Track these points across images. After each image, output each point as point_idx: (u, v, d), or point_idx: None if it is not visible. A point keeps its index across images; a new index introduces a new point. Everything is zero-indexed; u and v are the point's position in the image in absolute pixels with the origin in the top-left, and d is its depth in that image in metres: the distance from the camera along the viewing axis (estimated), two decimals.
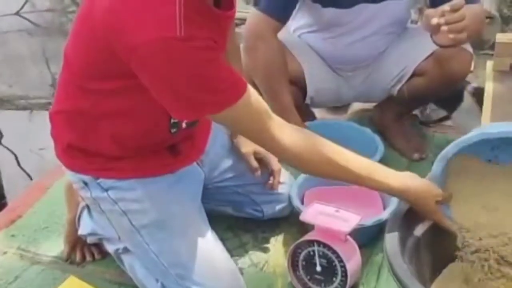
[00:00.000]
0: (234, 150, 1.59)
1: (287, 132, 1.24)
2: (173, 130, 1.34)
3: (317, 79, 1.87)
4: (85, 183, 1.38)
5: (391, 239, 1.26)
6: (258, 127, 1.22)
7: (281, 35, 1.82)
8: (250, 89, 1.20)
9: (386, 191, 1.30)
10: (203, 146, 1.52)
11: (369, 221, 1.51)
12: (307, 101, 1.95)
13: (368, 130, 1.89)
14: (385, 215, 1.52)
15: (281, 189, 1.63)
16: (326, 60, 1.92)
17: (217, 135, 1.56)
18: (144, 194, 1.37)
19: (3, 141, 2.65)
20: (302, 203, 1.62)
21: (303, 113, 1.99)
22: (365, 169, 1.26)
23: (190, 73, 1.10)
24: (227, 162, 1.58)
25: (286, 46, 1.86)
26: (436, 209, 1.30)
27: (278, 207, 1.64)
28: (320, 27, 1.87)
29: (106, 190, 1.36)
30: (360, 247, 1.43)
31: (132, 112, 1.28)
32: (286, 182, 1.65)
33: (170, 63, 1.09)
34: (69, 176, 1.43)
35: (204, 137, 1.53)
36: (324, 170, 1.27)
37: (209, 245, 1.38)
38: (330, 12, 1.79)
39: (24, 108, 2.91)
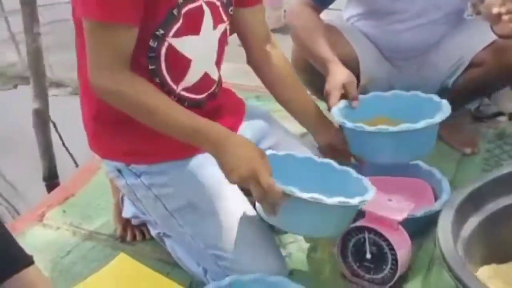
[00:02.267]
0: (272, 136, 1.56)
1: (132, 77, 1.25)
2: (151, 67, 1.32)
3: (371, 67, 1.86)
4: (119, 171, 1.40)
5: (444, 229, 1.24)
6: (115, 59, 1.22)
7: (335, 22, 1.82)
8: (135, 31, 1.22)
9: (194, 125, 1.25)
10: (236, 125, 1.50)
11: (421, 211, 1.49)
12: (358, 89, 1.93)
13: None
14: (436, 206, 1.50)
15: None
16: (379, 48, 1.91)
17: (252, 119, 1.55)
18: (174, 177, 1.37)
19: (55, 121, 2.71)
20: None
21: None
22: (188, 117, 1.26)
23: None
24: (266, 143, 1.53)
25: (341, 31, 1.85)
26: (262, 170, 1.20)
27: None
28: (374, 15, 1.86)
29: (139, 176, 1.38)
30: (410, 237, 1.41)
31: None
32: None
33: None
34: (104, 166, 1.46)
35: (235, 120, 1.51)
36: (148, 118, 1.26)
37: (246, 225, 1.35)
38: (384, 0, 1.78)
39: (76, 94, 2.99)
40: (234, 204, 1.37)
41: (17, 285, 1.04)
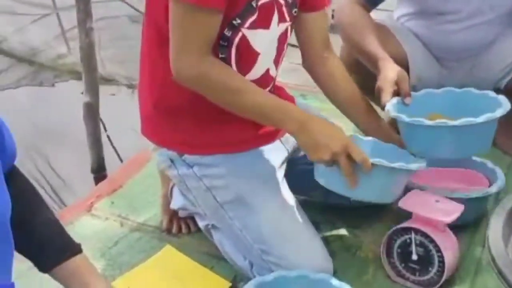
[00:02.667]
0: None
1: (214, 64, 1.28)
2: (222, 55, 1.34)
3: (420, 67, 1.83)
4: (172, 161, 1.42)
5: (495, 232, 1.23)
6: (201, 42, 1.25)
7: (385, 21, 1.80)
8: (220, 17, 1.25)
9: (279, 105, 1.30)
10: None
11: (479, 192, 1.51)
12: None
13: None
14: (492, 188, 1.53)
15: None
16: (430, 49, 1.88)
17: None
18: (226, 170, 1.38)
19: (103, 117, 2.76)
20: None
21: None
22: (271, 99, 1.31)
23: None
24: None
25: (391, 30, 1.83)
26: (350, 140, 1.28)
27: None
28: (425, 15, 1.83)
29: (191, 166, 1.40)
30: (458, 236, 1.39)
31: None
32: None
33: None
34: (157, 156, 1.48)
35: None
36: (231, 99, 1.29)
37: (292, 221, 1.36)
38: (436, 0, 1.76)
39: (128, 87, 3.05)
40: (282, 200, 1.39)
41: (64, 272, 1.06)
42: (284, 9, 1.39)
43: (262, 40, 1.36)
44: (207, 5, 1.22)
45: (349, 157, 1.26)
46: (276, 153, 1.47)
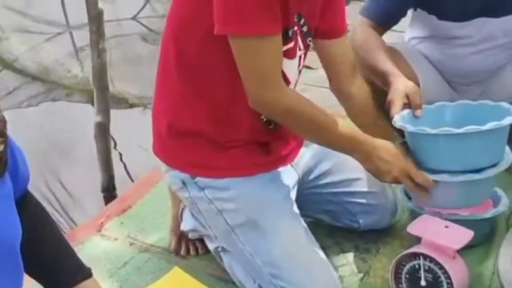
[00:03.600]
0: (331, 158, 1.58)
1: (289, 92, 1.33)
2: (263, 118, 1.38)
3: (432, 91, 1.83)
4: (184, 183, 1.43)
5: (505, 259, 1.22)
6: (273, 69, 1.27)
7: (397, 44, 1.81)
8: (281, 39, 1.27)
9: (352, 139, 1.38)
10: (297, 150, 1.54)
11: (488, 213, 1.52)
12: None
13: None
14: (501, 208, 1.54)
15: (376, 199, 1.60)
16: (441, 72, 1.88)
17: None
18: (238, 193, 1.39)
19: (114, 135, 2.78)
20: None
21: None
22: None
23: None
24: (324, 166, 1.58)
25: (402, 54, 1.84)
26: (410, 163, 1.41)
27: (375, 218, 1.61)
28: (436, 38, 1.84)
29: (203, 189, 1.40)
30: (467, 259, 1.38)
31: (221, 86, 1.35)
32: (378, 192, 1.60)
33: None
34: (168, 177, 1.48)
35: (298, 141, 1.55)
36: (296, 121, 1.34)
37: (303, 246, 1.37)
38: (447, 25, 1.76)
39: (138, 106, 3.08)
40: (293, 225, 1.39)
41: None
42: (299, 38, 1.40)
43: (290, 69, 1.39)
44: (271, 33, 1.24)
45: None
46: (287, 177, 1.47)
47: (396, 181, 1.41)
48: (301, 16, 1.36)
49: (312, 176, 1.58)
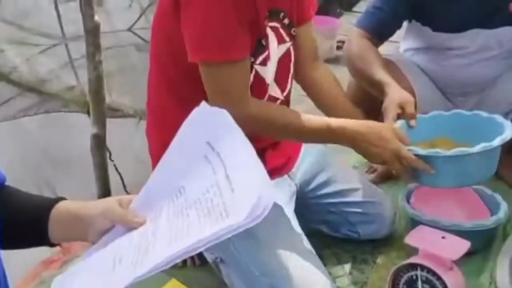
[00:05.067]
0: (329, 169, 1.59)
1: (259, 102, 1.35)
2: None
3: (427, 102, 1.84)
4: None
5: (502, 269, 1.22)
6: (240, 91, 1.30)
7: (393, 56, 1.82)
8: (248, 63, 1.30)
9: (328, 130, 1.37)
10: (294, 160, 1.55)
11: (487, 222, 1.52)
12: None
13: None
14: (500, 215, 1.55)
15: (376, 209, 1.62)
16: (436, 83, 1.89)
17: (309, 151, 1.58)
18: None
19: (109, 146, 2.77)
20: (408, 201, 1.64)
21: None
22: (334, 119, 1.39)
23: (212, 8, 1.22)
24: (322, 177, 1.59)
25: (398, 65, 1.85)
26: (400, 145, 1.37)
27: (374, 228, 1.63)
28: (431, 49, 1.85)
29: None
30: (464, 269, 1.38)
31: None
32: (377, 201, 1.63)
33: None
34: None
35: (295, 151, 1.55)
36: (293, 125, 1.36)
37: (300, 256, 1.37)
38: (442, 36, 1.78)
39: (133, 116, 3.07)
40: (291, 235, 1.39)
41: (56, 220, 0.95)
42: (282, 31, 1.42)
43: (268, 70, 1.40)
44: (240, 58, 1.28)
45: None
46: (283, 188, 1.48)
47: (387, 163, 1.41)
48: (278, 11, 1.39)
49: (310, 187, 1.58)
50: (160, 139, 1.43)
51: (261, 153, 1.45)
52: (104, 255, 0.85)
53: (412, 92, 1.84)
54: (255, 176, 0.77)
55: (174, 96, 1.39)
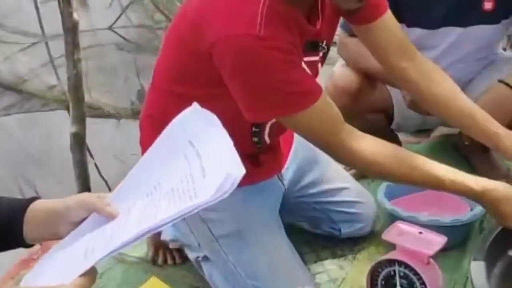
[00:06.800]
0: (317, 168, 1.60)
1: (359, 138, 1.25)
2: (255, 139, 1.37)
3: (405, 106, 1.86)
4: None
5: (477, 265, 1.24)
6: (329, 130, 1.23)
7: None
8: (325, 96, 1.22)
9: (466, 192, 1.29)
10: (285, 160, 1.55)
11: (463, 217, 1.56)
12: (393, 126, 1.94)
13: None
14: (477, 211, 1.57)
15: (359, 208, 1.63)
16: None
17: (299, 149, 1.58)
18: (223, 204, 1.38)
19: (89, 145, 2.76)
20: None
21: (386, 137, 1.98)
22: (446, 172, 1.27)
23: (263, 71, 1.14)
24: (311, 176, 1.59)
25: None
26: None
27: (356, 226, 1.64)
28: None
29: None
30: (441, 264, 1.40)
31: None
32: (364, 202, 1.64)
33: (245, 59, 1.13)
34: None
35: (286, 150, 1.55)
36: (404, 174, 1.28)
37: (286, 258, 1.39)
38: (416, 33, 1.78)
39: (114, 116, 3.07)
40: (278, 238, 1.41)
41: (31, 217, 0.94)
42: (319, 65, 1.37)
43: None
44: (320, 95, 1.21)
45: None
46: (272, 189, 1.49)
47: None
48: (318, 42, 1.31)
49: (298, 186, 1.59)
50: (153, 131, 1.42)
51: (255, 155, 1.44)
52: (76, 247, 0.86)
53: (389, 96, 1.87)
54: (226, 159, 0.79)
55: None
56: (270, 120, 1.34)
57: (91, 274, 0.82)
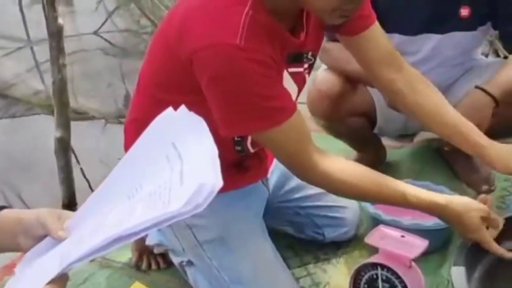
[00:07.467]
0: None
1: (330, 158, 1.25)
2: (238, 148, 1.37)
3: (387, 110, 1.86)
4: None
5: (458, 269, 1.26)
6: (302, 148, 1.22)
7: None
8: (299, 114, 1.22)
9: (430, 206, 1.29)
10: (270, 165, 1.55)
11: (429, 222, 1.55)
12: (376, 130, 1.96)
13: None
14: None
15: (343, 213, 1.63)
16: None
17: None
18: (208, 210, 1.38)
19: (75, 149, 2.76)
20: None
21: (369, 141, 2.00)
22: (411, 189, 1.29)
23: (239, 82, 1.13)
24: (293, 182, 1.59)
25: None
26: (480, 226, 1.28)
27: (340, 231, 1.65)
28: None
29: None
30: (423, 267, 1.41)
31: None
32: (348, 207, 1.64)
33: (223, 68, 1.12)
34: None
35: (271, 155, 1.56)
36: (375, 194, 1.28)
37: (270, 263, 1.40)
38: (395, 39, 1.79)
39: (99, 120, 3.06)
40: (262, 243, 1.41)
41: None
42: (306, 75, 1.36)
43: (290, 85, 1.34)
44: (293, 112, 1.20)
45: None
46: (257, 195, 1.49)
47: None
48: (302, 53, 1.31)
49: (282, 191, 1.59)
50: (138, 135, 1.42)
51: (240, 161, 1.44)
52: (51, 253, 0.84)
53: (371, 99, 1.88)
54: (205, 168, 0.76)
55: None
56: None
57: (60, 281, 0.79)
